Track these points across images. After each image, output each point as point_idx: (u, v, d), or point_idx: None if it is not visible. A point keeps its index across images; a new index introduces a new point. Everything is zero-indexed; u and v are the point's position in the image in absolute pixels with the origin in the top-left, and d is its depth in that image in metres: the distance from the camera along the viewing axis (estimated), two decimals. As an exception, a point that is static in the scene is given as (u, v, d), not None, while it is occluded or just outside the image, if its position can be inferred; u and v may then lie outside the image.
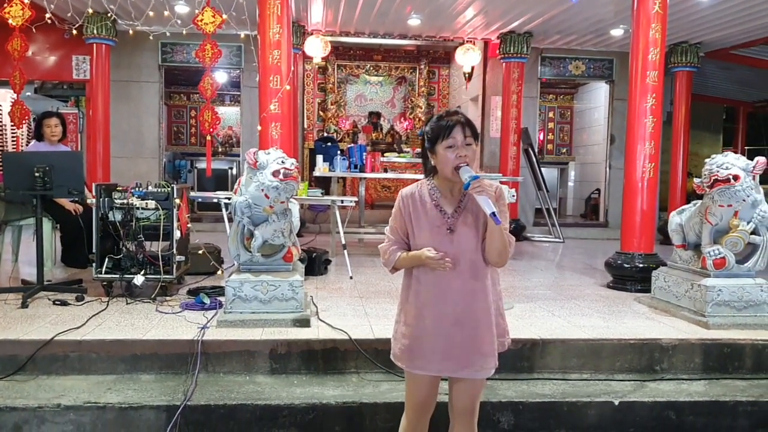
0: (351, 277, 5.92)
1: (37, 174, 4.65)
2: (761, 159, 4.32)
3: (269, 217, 4.17)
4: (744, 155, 4.50)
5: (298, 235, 5.57)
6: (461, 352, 2.36)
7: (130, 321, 4.19)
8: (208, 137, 6.18)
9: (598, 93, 12.58)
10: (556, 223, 10.29)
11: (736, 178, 4.23)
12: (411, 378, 2.46)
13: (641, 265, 5.66)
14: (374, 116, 13.38)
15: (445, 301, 2.35)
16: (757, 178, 4.40)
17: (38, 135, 6.11)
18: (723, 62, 10.54)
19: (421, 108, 13.43)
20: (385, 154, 10.22)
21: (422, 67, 13.54)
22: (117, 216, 4.81)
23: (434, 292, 2.36)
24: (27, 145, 8.97)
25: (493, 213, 2.20)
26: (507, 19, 8.94)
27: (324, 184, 9.60)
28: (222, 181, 11.90)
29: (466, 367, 2.37)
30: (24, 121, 6.35)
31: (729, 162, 4.30)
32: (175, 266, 4.86)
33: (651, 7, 5.62)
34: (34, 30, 6.18)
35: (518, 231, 9.92)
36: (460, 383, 2.43)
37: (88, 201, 5.53)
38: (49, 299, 4.71)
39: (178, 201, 4.88)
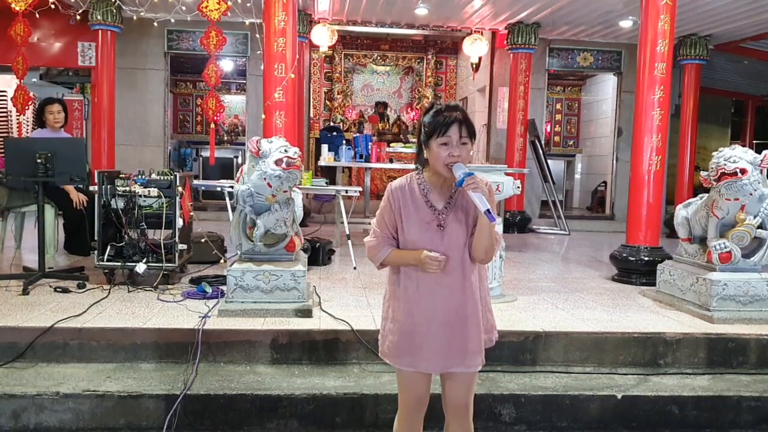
0: (355, 268, 5.90)
1: (39, 160, 4.63)
2: (770, 152, 4.28)
3: (272, 206, 4.14)
4: (752, 149, 4.44)
5: (303, 224, 5.56)
6: (450, 348, 2.33)
7: (131, 309, 4.18)
8: (212, 125, 6.16)
9: (606, 85, 12.49)
10: (562, 215, 10.24)
11: (743, 171, 4.19)
12: (402, 375, 2.43)
13: (646, 259, 5.62)
14: (381, 106, 13.33)
15: (434, 298, 2.31)
16: (765, 171, 4.35)
17: (40, 121, 6.10)
18: (732, 55, 10.44)
19: (428, 98, 13.37)
20: (391, 145, 10.19)
21: (429, 57, 13.48)
22: (119, 204, 4.80)
23: (423, 288, 2.32)
24: (32, 131, 8.97)
25: (488, 210, 2.17)
26: (515, 10, 8.86)
27: (329, 173, 9.59)
28: (227, 169, 11.90)
29: (455, 364, 2.35)
30: (27, 107, 6.33)
31: (736, 155, 4.25)
32: (177, 255, 4.85)
33: (660, -3, 5.56)
34: (37, 15, 6.15)
35: (524, 223, 9.90)
36: (452, 379, 2.40)
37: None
38: (50, 286, 4.69)
39: (180, 189, 4.86)
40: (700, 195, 4.86)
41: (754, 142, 13.72)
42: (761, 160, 4.27)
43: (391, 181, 2.46)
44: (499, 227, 4.93)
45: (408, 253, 2.32)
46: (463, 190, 2.22)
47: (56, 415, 3.29)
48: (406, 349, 2.35)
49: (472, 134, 2.28)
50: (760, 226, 4.43)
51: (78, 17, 7.98)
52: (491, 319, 2.45)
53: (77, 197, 5.78)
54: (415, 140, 2.50)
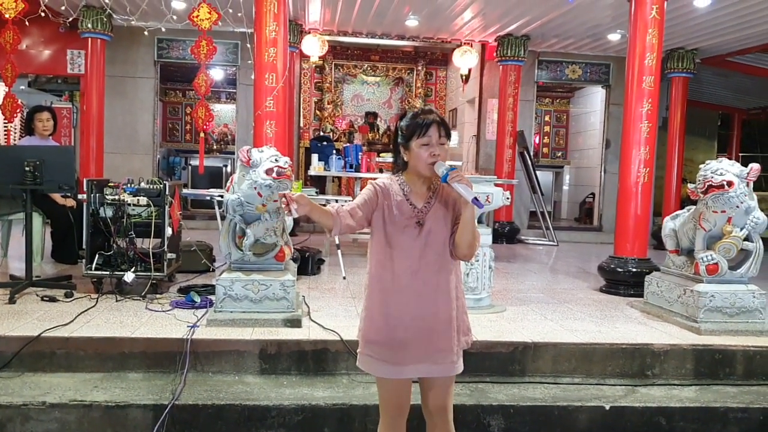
0: (344, 278, 5.89)
1: (27, 168, 4.60)
2: (755, 166, 4.32)
3: (262, 215, 4.14)
4: (738, 162, 4.49)
5: (292, 234, 5.54)
6: (427, 350, 2.34)
7: (119, 318, 4.16)
8: (202, 134, 6.15)
9: (595, 97, 12.58)
10: (550, 226, 10.29)
11: (730, 184, 4.22)
12: (382, 383, 2.44)
13: (634, 270, 5.66)
14: (371, 116, 13.36)
15: (407, 290, 2.33)
16: (751, 184, 4.39)
17: (29, 129, 6.06)
18: (719, 69, 10.56)
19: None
20: (381, 155, 10.18)
21: (419, 68, 13.53)
22: (108, 212, 4.77)
23: (398, 283, 2.33)
24: (20, 139, 8.93)
25: (475, 198, 2.22)
26: (505, 22, 8.93)
27: (319, 183, 9.59)
28: (216, 178, 11.86)
29: (430, 361, 2.35)
30: (16, 115, 6.30)
31: (723, 168, 4.29)
32: (166, 264, 4.82)
33: (648, 12, 5.63)
34: (27, 23, 6.12)
35: (512, 234, 9.93)
36: (431, 383, 2.42)
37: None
38: (37, 295, 4.66)
39: (170, 198, 4.85)
40: (688, 207, 4.90)
41: (740, 154, 13.88)
42: (747, 173, 4.31)
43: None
44: (488, 237, 4.96)
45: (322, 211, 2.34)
46: (447, 185, 2.28)
47: (42, 425, 3.26)
48: (383, 354, 2.36)
49: (448, 135, 2.36)
50: (746, 239, 4.47)
51: (68, 25, 7.95)
52: (467, 320, 2.46)
53: (63, 200, 5.77)
54: None
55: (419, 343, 2.33)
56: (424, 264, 2.33)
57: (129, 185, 4.81)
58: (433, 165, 2.30)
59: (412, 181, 2.39)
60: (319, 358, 3.83)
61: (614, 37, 9.22)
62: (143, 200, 4.77)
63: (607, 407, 3.64)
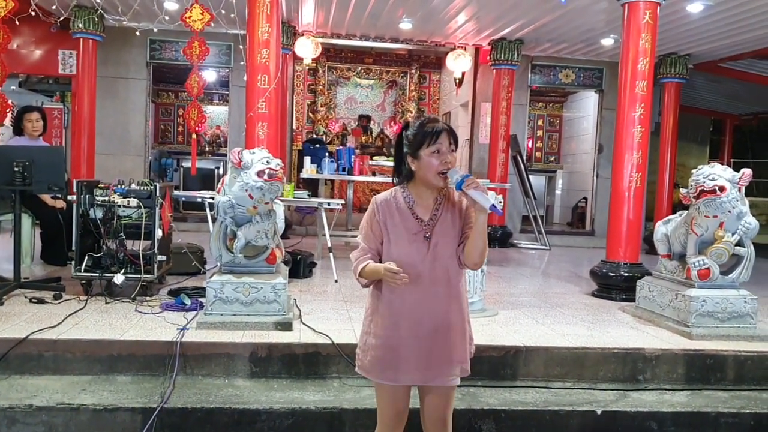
0: (336, 281, 5.86)
1: (16, 169, 4.56)
2: (747, 171, 4.33)
3: (253, 217, 4.11)
4: (730, 167, 4.50)
5: (284, 237, 5.53)
6: (434, 360, 2.32)
7: (108, 321, 4.12)
8: (194, 135, 6.12)
9: (587, 102, 12.61)
10: (542, 230, 10.29)
11: (722, 189, 4.23)
12: (382, 390, 2.41)
13: (626, 275, 5.65)
14: (364, 119, 13.36)
15: (420, 308, 2.31)
16: (743, 189, 4.40)
17: (18, 129, 6.01)
18: (711, 74, 10.60)
19: (412, 112, 13.43)
20: (374, 158, 10.19)
21: (413, 71, 13.54)
22: (98, 213, 4.73)
23: (410, 300, 2.31)
24: (9, 139, 8.86)
25: (493, 205, 2.19)
26: (499, 26, 8.93)
27: (311, 186, 9.56)
28: (208, 180, 11.82)
29: (438, 376, 2.34)
30: (5, 115, 6.24)
31: (716, 173, 4.30)
32: (156, 266, 4.79)
33: (641, 17, 5.64)
34: (17, 22, 6.08)
35: (505, 238, 9.93)
36: (432, 393, 2.40)
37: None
38: (25, 297, 4.61)
39: (160, 199, 4.81)
40: (680, 212, 4.91)
41: (732, 160, 13.93)
42: (739, 178, 4.32)
43: (374, 194, 2.45)
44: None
45: (375, 266, 2.29)
46: (461, 193, 2.25)
47: (29, 428, 3.22)
48: (389, 363, 2.33)
49: (456, 144, 2.33)
50: (738, 243, 4.47)
51: (59, 25, 7.90)
52: (470, 330, 2.45)
53: (53, 202, 5.73)
54: None
55: (429, 354, 2.32)
56: (434, 279, 2.31)
57: (119, 186, 4.78)
58: (445, 173, 2.26)
59: (417, 192, 2.35)
60: (310, 362, 3.80)
61: (607, 41, 9.24)
62: (134, 202, 4.73)
63: (599, 412, 3.63)
